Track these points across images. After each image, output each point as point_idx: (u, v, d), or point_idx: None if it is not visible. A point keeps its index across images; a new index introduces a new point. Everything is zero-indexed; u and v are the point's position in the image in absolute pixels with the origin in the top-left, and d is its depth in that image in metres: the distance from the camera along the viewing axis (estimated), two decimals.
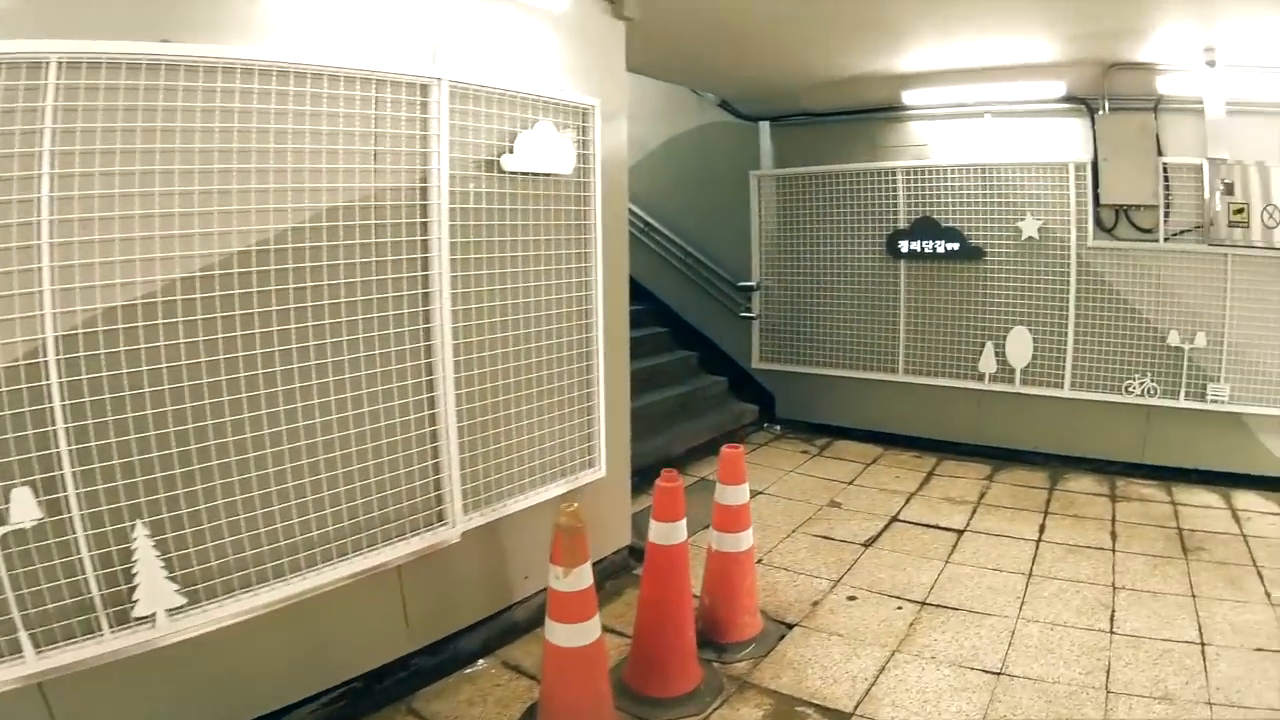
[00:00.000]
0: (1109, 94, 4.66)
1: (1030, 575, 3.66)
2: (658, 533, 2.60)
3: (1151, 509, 4.42)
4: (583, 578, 2.26)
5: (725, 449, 2.97)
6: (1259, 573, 3.66)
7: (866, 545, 3.99)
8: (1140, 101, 4.63)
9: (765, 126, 5.86)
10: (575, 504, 2.33)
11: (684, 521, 2.62)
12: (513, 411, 2.91)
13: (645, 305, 6.18)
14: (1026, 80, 4.77)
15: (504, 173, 2.79)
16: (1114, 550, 3.90)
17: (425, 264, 2.56)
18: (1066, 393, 5.03)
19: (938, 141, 5.28)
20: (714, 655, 2.89)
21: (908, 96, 5.15)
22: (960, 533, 4.20)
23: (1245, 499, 4.54)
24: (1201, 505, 4.47)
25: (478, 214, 2.73)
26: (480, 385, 2.77)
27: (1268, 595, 3.48)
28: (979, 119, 5.11)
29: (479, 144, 2.71)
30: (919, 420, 5.54)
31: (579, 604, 2.26)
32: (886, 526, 4.27)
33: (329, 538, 2.35)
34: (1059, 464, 5.15)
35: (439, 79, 2.52)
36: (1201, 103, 4.46)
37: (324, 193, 2.28)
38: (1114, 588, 3.54)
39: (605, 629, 2.46)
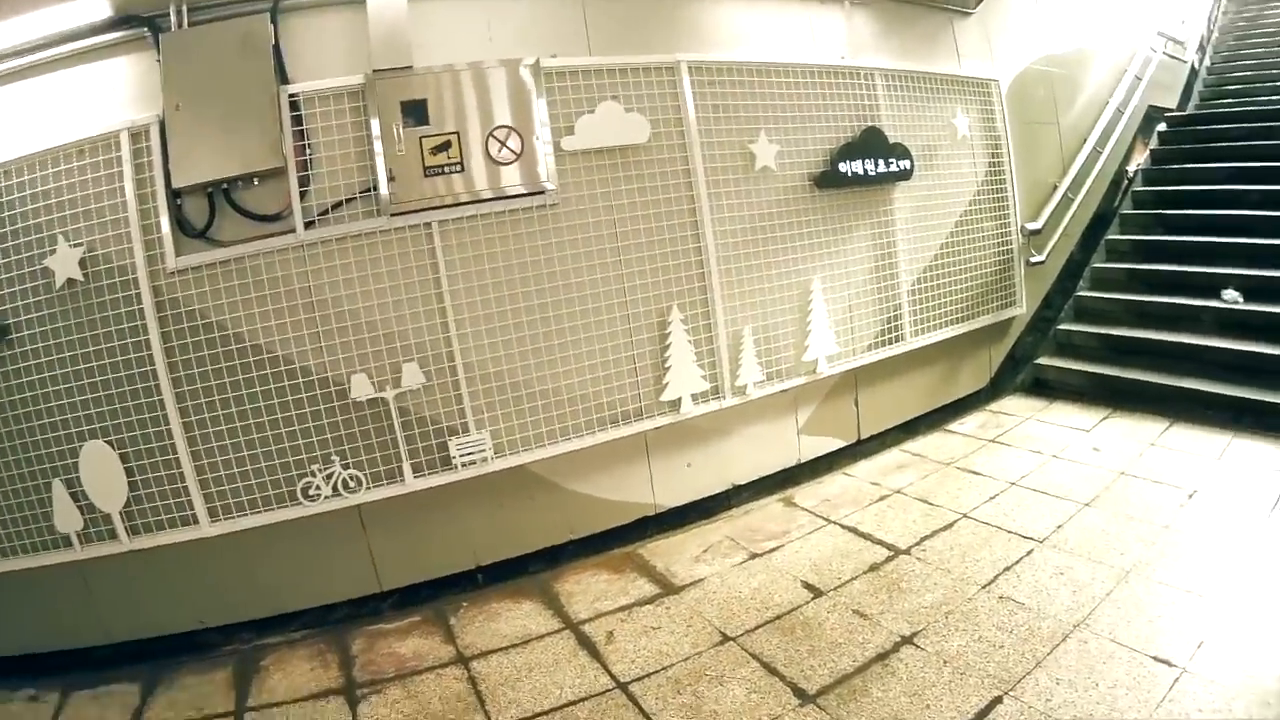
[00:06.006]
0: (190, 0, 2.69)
1: None
2: None
3: (427, 692, 2.44)
4: None
5: None
6: None
7: None
8: (246, 2, 2.74)
9: None
10: None
11: None
12: None
13: None
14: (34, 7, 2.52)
15: None
16: None
17: None
18: (207, 528, 2.80)
19: None
20: None
21: None
22: None
23: (582, 590, 2.98)
24: (533, 634, 2.70)
25: None
26: None
27: None
28: None
29: None
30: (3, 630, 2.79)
31: None
32: None
33: None
34: (246, 639, 2.92)
35: None
36: None
37: None
38: None
39: None
